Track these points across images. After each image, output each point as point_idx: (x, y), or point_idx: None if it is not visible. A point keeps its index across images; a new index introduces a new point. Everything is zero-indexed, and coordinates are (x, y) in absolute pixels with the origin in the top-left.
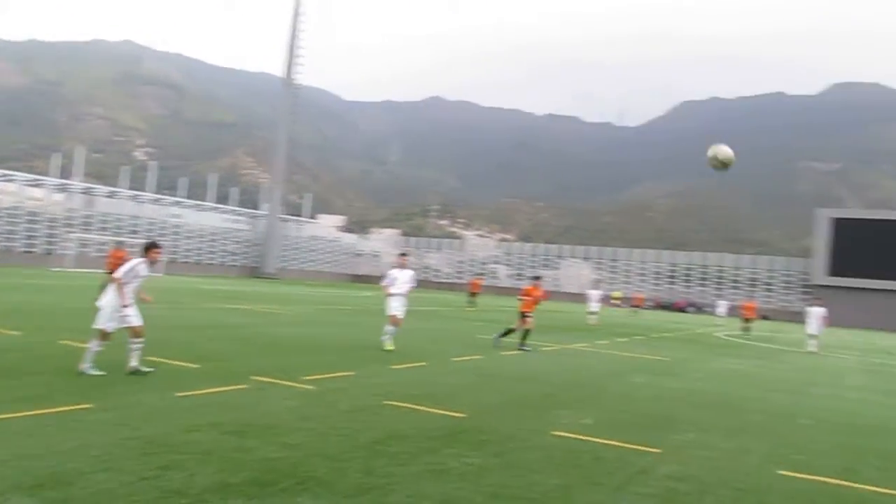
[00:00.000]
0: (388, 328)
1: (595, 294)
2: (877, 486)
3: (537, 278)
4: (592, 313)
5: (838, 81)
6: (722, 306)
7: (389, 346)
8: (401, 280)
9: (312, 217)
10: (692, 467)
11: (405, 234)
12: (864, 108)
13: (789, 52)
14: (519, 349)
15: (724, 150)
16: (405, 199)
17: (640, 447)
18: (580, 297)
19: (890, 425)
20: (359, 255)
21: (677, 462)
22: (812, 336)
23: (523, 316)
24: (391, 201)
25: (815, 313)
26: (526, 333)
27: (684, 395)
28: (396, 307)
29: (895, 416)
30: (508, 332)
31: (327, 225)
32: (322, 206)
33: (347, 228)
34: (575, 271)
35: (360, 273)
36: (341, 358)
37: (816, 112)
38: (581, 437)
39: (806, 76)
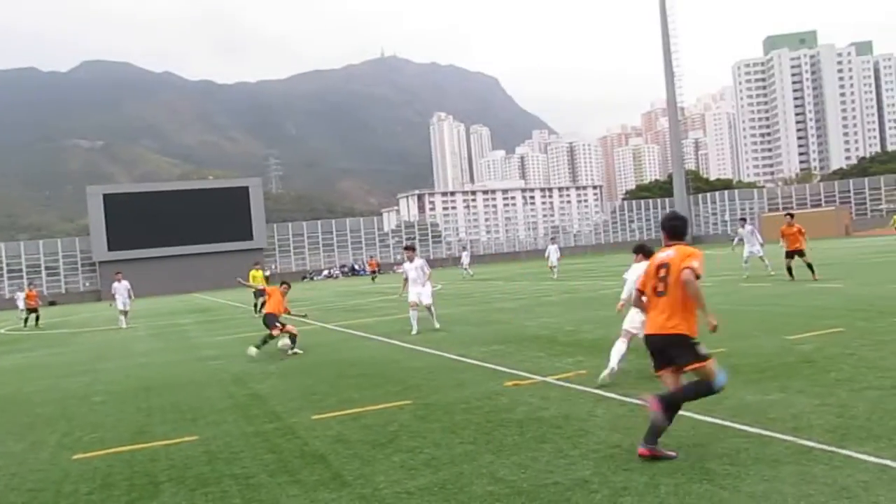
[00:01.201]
0: None
1: None
2: (168, 439)
3: None
4: None
5: (88, 59)
6: (20, 298)
7: None
8: None
9: None
10: None
11: None
12: (119, 86)
13: (39, 25)
14: None
15: None
16: None
17: None
18: None
19: (176, 381)
20: None
21: None
22: (123, 311)
23: None
24: None
25: (119, 288)
26: None
27: None
28: None
29: (180, 371)
30: None
31: None
32: None
33: None
34: None
35: None
36: None
37: (72, 89)
38: None
39: (57, 52)
